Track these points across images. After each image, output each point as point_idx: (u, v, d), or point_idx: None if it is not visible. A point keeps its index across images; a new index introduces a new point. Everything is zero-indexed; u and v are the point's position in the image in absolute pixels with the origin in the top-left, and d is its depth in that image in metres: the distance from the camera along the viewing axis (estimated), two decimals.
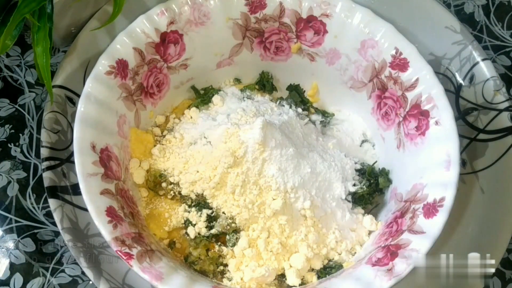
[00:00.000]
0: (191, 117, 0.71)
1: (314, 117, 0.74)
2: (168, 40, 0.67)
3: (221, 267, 0.64)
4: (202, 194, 0.64)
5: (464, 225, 0.64)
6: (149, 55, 0.66)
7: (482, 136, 0.68)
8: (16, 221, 0.71)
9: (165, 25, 0.66)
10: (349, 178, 0.68)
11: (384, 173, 0.69)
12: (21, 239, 0.70)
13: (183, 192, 0.65)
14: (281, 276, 0.63)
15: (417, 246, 0.55)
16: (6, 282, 0.68)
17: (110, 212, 0.57)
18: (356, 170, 0.69)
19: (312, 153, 0.67)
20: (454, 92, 0.70)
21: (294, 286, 0.62)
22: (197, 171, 0.64)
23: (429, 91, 0.62)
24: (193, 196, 0.64)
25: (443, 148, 0.59)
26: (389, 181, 0.69)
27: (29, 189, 0.72)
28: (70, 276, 0.68)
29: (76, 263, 0.66)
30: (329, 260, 0.65)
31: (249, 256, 0.62)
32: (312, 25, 0.68)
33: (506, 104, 0.68)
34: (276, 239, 0.62)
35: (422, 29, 0.70)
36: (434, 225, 0.56)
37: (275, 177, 0.62)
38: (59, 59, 0.75)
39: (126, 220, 0.58)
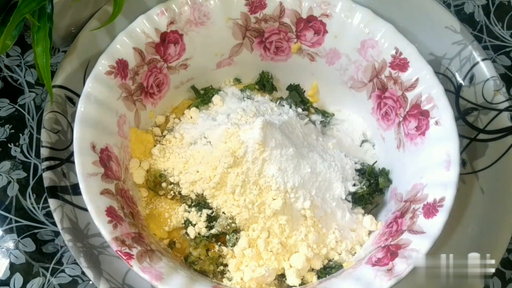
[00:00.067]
0: (191, 117, 0.71)
1: (314, 117, 0.74)
2: (168, 40, 0.67)
3: (221, 267, 0.64)
4: (202, 194, 0.64)
5: (464, 225, 0.64)
6: (149, 55, 0.66)
7: (482, 136, 0.68)
8: (16, 221, 0.71)
9: (165, 25, 0.66)
10: (349, 178, 0.68)
11: (384, 173, 0.69)
12: (21, 239, 0.70)
13: (183, 192, 0.65)
14: (281, 276, 0.63)
15: (417, 246, 0.55)
16: (6, 282, 0.68)
17: (110, 212, 0.57)
18: (356, 170, 0.69)
19: (312, 153, 0.67)
20: (454, 92, 0.70)
21: (294, 286, 0.62)
22: (197, 171, 0.64)
23: (429, 91, 0.62)
24: (193, 196, 0.64)
25: (443, 148, 0.59)
26: (389, 181, 0.69)
27: (29, 189, 0.72)
28: (70, 276, 0.68)
29: (76, 263, 0.66)
30: (329, 260, 0.65)
31: (249, 256, 0.62)
32: (312, 25, 0.68)
33: (506, 104, 0.68)
34: (276, 239, 0.62)
35: (422, 29, 0.70)
36: (434, 225, 0.56)
37: (275, 177, 0.62)
38: (59, 59, 0.75)
39: (126, 220, 0.58)
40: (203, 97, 0.73)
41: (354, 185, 0.68)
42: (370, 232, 0.66)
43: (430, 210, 0.57)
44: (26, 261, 0.69)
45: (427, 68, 0.63)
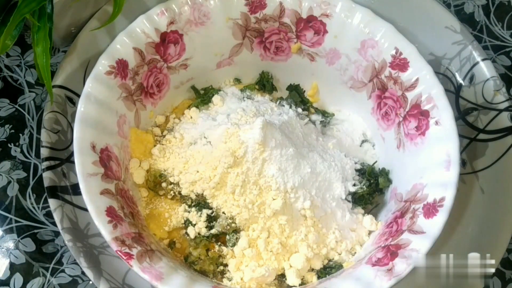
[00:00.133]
0: (191, 117, 0.71)
1: (314, 117, 0.74)
2: (168, 40, 0.67)
3: (221, 267, 0.64)
4: (202, 194, 0.64)
5: (464, 225, 0.64)
6: (149, 55, 0.66)
7: (482, 136, 0.68)
8: (16, 221, 0.71)
9: (165, 25, 0.66)
10: (349, 178, 0.68)
11: (384, 173, 0.69)
12: (21, 239, 0.70)
13: (183, 192, 0.65)
14: (281, 276, 0.63)
15: (417, 246, 0.55)
16: (6, 282, 0.68)
17: (110, 212, 0.57)
18: (356, 170, 0.69)
19: (312, 153, 0.67)
20: (454, 92, 0.70)
21: (294, 286, 0.62)
22: (197, 171, 0.64)
23: (429, 91, 0.62)
24: (193, 196, 0.64)
25: (443, 148, 0.59)
26: (389, 181, 0.69)
27: (29, 189, 0.72)
28: (70, 276, 0.68)
29: (76, 263, 0.66)
30: (329, 260, 0.65)
31: (249, 256, 0.62)
32: (312, 25, 0.68)
33: (506, 104, 0.68)
34: (276, 239, 0.62)
35: (422, 29, 0.70)
36: (434, 225, 0.56)
37: (275, 177, 0.62)
38: (59, 59, 0.75)
39: (126, 220, 0.58)
40: (203, 97, 0.73)
41: (354, 185, 0.68)
42: (370, 232, 0.66)
43: (430, 210, 0.57)
44: (26, 261, 0.69)
45: (427, 68, 0.63)
